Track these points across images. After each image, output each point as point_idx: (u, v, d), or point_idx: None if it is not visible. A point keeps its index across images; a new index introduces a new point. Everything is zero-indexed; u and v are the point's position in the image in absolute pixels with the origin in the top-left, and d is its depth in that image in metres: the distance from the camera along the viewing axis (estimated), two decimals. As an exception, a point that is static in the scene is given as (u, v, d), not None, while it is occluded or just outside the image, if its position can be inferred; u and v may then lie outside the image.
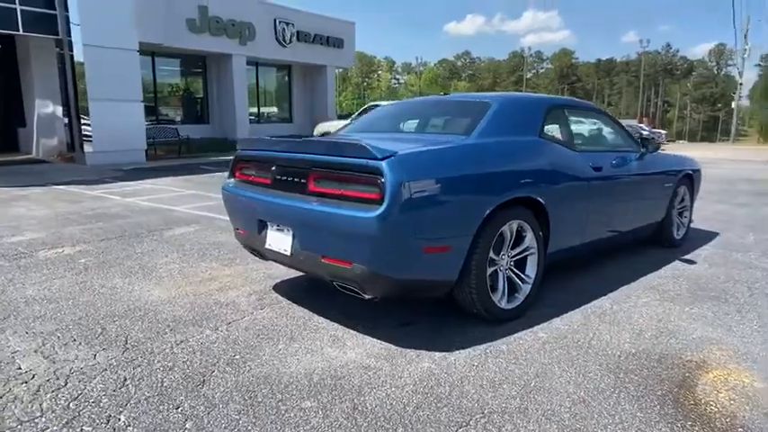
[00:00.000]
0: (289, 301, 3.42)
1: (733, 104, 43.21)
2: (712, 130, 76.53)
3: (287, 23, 18.68)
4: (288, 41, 18.83)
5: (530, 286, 3.17)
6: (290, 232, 2.92)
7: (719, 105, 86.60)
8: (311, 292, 3.62)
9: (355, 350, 2.72)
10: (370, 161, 2.51)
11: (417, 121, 3.88)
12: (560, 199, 3.30)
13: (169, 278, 3.93)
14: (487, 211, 2.78)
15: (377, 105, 13.10)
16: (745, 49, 36.93)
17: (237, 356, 2.63)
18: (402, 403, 2.21)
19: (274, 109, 21.79)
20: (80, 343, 2.77)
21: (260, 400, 2.23)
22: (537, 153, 3.27)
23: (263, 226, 3.14)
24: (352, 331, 2.94)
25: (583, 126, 4.61)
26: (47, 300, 3.42)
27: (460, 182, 2.73)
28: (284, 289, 3.70)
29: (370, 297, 2.71)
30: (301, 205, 2.79)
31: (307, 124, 21.60)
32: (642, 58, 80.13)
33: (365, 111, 14.91)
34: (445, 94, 4.28)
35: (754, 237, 5.59)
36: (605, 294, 3.60)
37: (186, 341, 2.80)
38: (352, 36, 21.96)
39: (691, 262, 4.51)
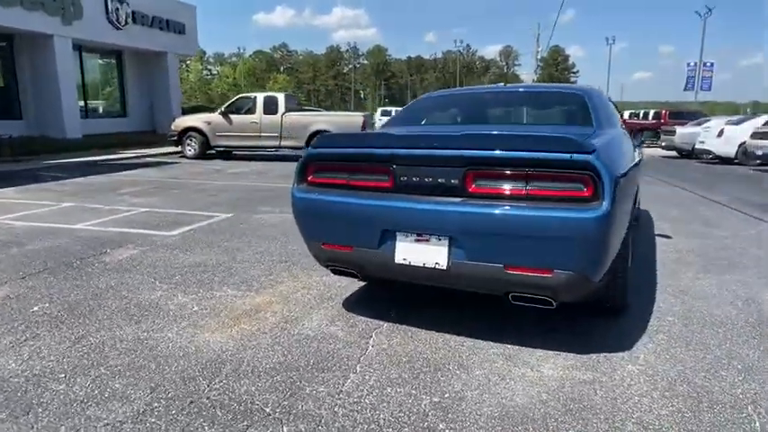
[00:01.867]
0: (398, 324, 2.90)
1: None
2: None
3: (121, 1, 16.03)
4: (123, 23, 16.17)
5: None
6: (446, 242, 2.45)
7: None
8: (397, 303, 3.12)
9: (548, 365, 2.40)
10: (575, 155, 2.21)
11: (481, 111, 3.59)
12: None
13: (203, 317, 3.03)
14: (633, 203, 2.70)
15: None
16: (537, 51, 43.20)
17: (441, 408, 2.12)
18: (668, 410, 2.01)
19: (104, 101, 18.62)
20: None
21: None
22: (628, 141, 3.30)
23: (387, 237, 2.59)
24: (517, 347, 2.60)
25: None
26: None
27: (628, 172, 2.61)
28: (360, 307, 3.13)
29: (546, 306, 2.42)
30: (474, 210, 2.36)
31: (146, 119, 18.98)
32: (447, 57, 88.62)
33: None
34: (506, 83, 4.07)
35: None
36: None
37: (335, 396, 2.16)
38: (194, 21, 19.83)
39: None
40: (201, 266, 4.03)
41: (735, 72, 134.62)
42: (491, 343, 2.65)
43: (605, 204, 2.17)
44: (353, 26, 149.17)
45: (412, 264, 2.52)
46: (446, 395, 2.17)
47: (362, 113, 14.33)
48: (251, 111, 13.53)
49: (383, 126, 3.62)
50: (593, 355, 2.50)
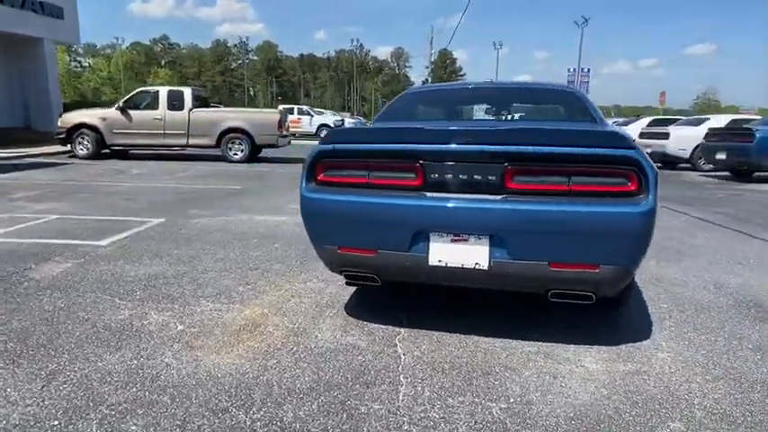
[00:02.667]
0: (416, 330, 2.75)
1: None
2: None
3: (-18, -24, 13.84)
4: (-13, 2, 14.00)
5: None
6: (486, 241, 2.36)
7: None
8: (400, 307, 2.97)
9: (588, 360, 2.41)
10: (619, 150, 2.24)
11: (476, 107, 3.54)
12: None
13: (195, 337, 2.64)
14: None
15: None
16: (432, 53, 44.90)
17: (514, 414, 2.02)
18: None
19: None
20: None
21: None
22: None
23: (419, 239, 2.43)
24: (548, 344, 2.58)
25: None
26: None
27: None
28: (365, 313, 2.93)
29: (585, 302, 2.44)
30: (518, 207, 2.29)
31: (17, 114, 16.63)
32: (341, 56, 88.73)
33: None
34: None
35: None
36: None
37: (398, 414, 1.99)
38: (74, 5, 17.72)
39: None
40: (161, 279, 3.55)
41: (600, 78, 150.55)
42: (521, 342, 2.61)
43: (651, 198, 2.22)
44: (239, 20, 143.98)
45: (449, 265, 2.40)
46: (511, 400, 2.08)
47: (279, 110, 13.80)
48: (152, 106, 12.41)
49: (376, 121, 3.44)
50: (622, 346, 2.57)
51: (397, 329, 2.76)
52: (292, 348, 2.53)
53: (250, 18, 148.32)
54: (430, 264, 2.42)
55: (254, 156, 12.54)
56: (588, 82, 35.10)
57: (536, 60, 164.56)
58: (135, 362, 2.36)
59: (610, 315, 2.97)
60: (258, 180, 9.34)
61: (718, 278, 3.71)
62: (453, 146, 2.40)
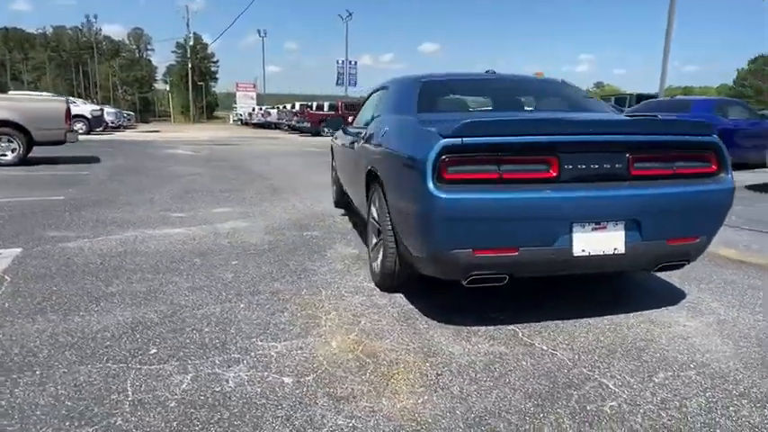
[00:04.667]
0: (517, 325, 2.71)
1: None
2: (145, 112, 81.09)
3: None
4: None
5: None
6: (621, 226, 2.47)
7: (147, 88, 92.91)
8: (459, 304, 2.88)
9: (683, 320, 2.76)
10: (707, 137, 2.59)
11: (506, 97, 3.58)
12: None
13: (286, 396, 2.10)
14: None
15: None
16: (189, 36, 41.54)
17: (704, 376, 2.21)
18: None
19: None
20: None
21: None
22: None
23: (563, 231, 2.41)
24: (629, 314, 2.86)
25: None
26: None
27: None
28: (450, 316, 2.76)
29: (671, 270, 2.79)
30: (645, 192, 2.46)
31: None
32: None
33: None
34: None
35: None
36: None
37: (635, 403, 2.01)
38: None
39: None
40: (131, 334, 2.65)
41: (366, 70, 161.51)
42: (619, 316, 2.81)
43: (731, 176, 2.66)
44: None
45: (591, 254, 2.45)
46: (690, 365, 2.28)
47: (63, 98, 11.05)
48: None
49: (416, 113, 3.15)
50: (683, 303, 3.01)
51: (509, 327, 2.68)
52: (434, 381, 2.24)
53: None
54: (574, 255, 2.43)
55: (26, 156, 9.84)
56: (356, 74, 37.42)
57: (287, 51, 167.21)
58: None
59: (627, 279, 3.42)
60: (78, 186, 7.42)
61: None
62: (587, 137, 2.44)
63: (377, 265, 3.29)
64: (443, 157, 2.32)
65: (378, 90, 4.51)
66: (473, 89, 3.74)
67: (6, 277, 3.34)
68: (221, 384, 2.11)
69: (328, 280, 3.42)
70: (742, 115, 9.40)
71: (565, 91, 3.81)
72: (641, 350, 2.44)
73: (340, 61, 36.85)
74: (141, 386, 2.08)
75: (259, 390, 2.07)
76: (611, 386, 2.13)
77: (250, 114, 39.40)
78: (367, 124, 4.15)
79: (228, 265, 3.71)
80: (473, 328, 2.68)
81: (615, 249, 2.48)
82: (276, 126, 32.70)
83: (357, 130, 4.26)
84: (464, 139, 2.32)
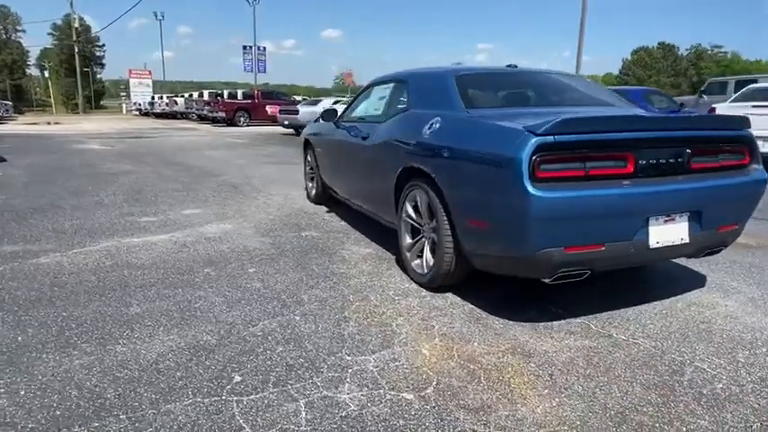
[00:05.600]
0: (574, 319, 2.80)
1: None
2: (18, 101, 72.29)
3: None
4: None
5: None
6: (686, 217, 2.62)
7: (20, 74, 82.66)
8: (540, 301, 2.93)
9: (725, 303, 3.00)
10: (743, 132, 2.81)
11: (541, 92, 3.59)
12: None
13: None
14: None
15: None
16: (75, 18, 37.50)
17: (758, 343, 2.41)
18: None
19: None
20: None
21: None
22: None
23: (641, 225, 2.50)
24: (683, 296, 3.05)
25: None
26: None
27: None
28: (511, 315, 2.78)
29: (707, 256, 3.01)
30: (706, 184, 2.63)
31: None
32: None
33: None
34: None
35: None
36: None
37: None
38: None
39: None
40: (196, 361, 2.40)
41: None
42: (663, 302, 2.99)
43: (761, 168, 2.91)
44: None
45: (663, 245, 2.57)
46: (748, 345, 2.49)
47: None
48: None
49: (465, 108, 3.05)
50: (710, 284, 3.27)
51: (577, 320, 2.75)
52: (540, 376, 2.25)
53: None
54: (650, 247, 2.54)
55: None
56: (265, 61, 35.98)
57: (180, 36, 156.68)
58: None
59: (646, 268, 3.65)
60: (0, 191, 6.45)
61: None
62: (660, 133, 2.55)
63: (419, 264, 3.22)
64: (536, 155, 2.31)
65: (382, 84, 4.37)
66: (506, 84, 3.74)
67: (-6, 305, 2.83)
68: (344, 408, 1.95)
69: (366, 283, 3.29)
70: (661, 104, 10.39)
71: (590, 86, 3.96)
72: (709, 332, 2.62)
73: (248, 47, 35.25)
74: (258, 421, 1.86)
75: (388, 410, 1.94)
76: (708, 369, 2.26)
77: (151, 104, 36.48)
78: (375, 121, 4.02)
79: (248, 273, 3.44)
80: (545, 323, 2.71)
81: (682, 239, 2.63)
82: (184, 116, 30.63)
83: (367, 126, 4.10)
84: (556, 136, 2.32)
